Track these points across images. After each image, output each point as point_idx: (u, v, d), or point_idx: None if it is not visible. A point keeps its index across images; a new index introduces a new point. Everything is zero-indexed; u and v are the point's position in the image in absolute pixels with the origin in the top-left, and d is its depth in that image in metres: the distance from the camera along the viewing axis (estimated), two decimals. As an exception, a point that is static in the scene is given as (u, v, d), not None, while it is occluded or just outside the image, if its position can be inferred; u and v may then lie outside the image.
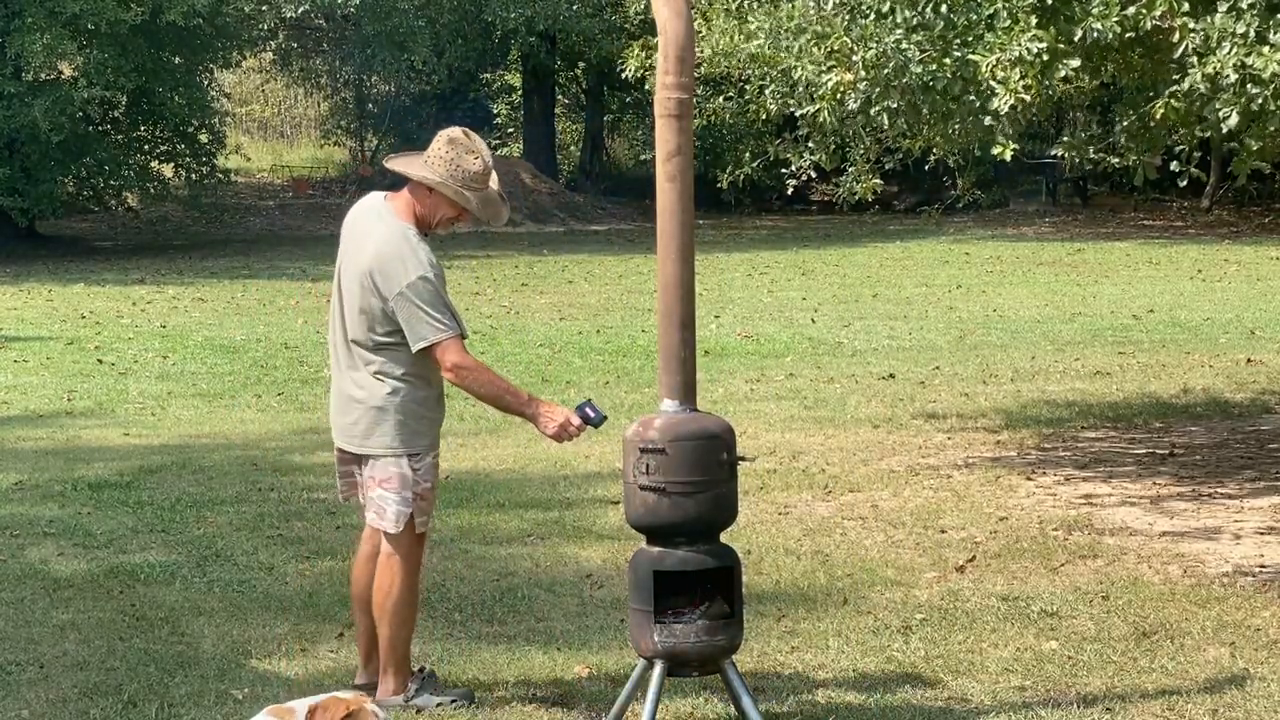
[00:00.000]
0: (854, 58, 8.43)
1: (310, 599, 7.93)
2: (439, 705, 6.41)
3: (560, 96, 41.70)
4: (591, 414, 6.32)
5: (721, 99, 11.04)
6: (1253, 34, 7.28)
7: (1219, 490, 10.08)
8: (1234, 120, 7.46)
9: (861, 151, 10.33)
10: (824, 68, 8.70)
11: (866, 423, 12.39)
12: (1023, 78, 7.55)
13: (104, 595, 8.01)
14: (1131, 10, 7.46)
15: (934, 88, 8.18)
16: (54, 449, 11.91)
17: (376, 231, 6.34)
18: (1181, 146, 9.09)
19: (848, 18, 8.62)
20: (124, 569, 8.46)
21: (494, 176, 6.45)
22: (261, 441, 12.10)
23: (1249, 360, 15.02)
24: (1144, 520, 9.35)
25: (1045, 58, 7.53)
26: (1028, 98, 7.62)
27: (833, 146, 10.10)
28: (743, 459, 6.16)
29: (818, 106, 8.87)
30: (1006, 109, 7.63)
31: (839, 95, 8.71)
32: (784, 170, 10.60)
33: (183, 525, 9.43)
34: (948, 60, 7.95)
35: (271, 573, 8.41)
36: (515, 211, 34.22)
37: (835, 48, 8.59)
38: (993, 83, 7.63)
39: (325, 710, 5.05)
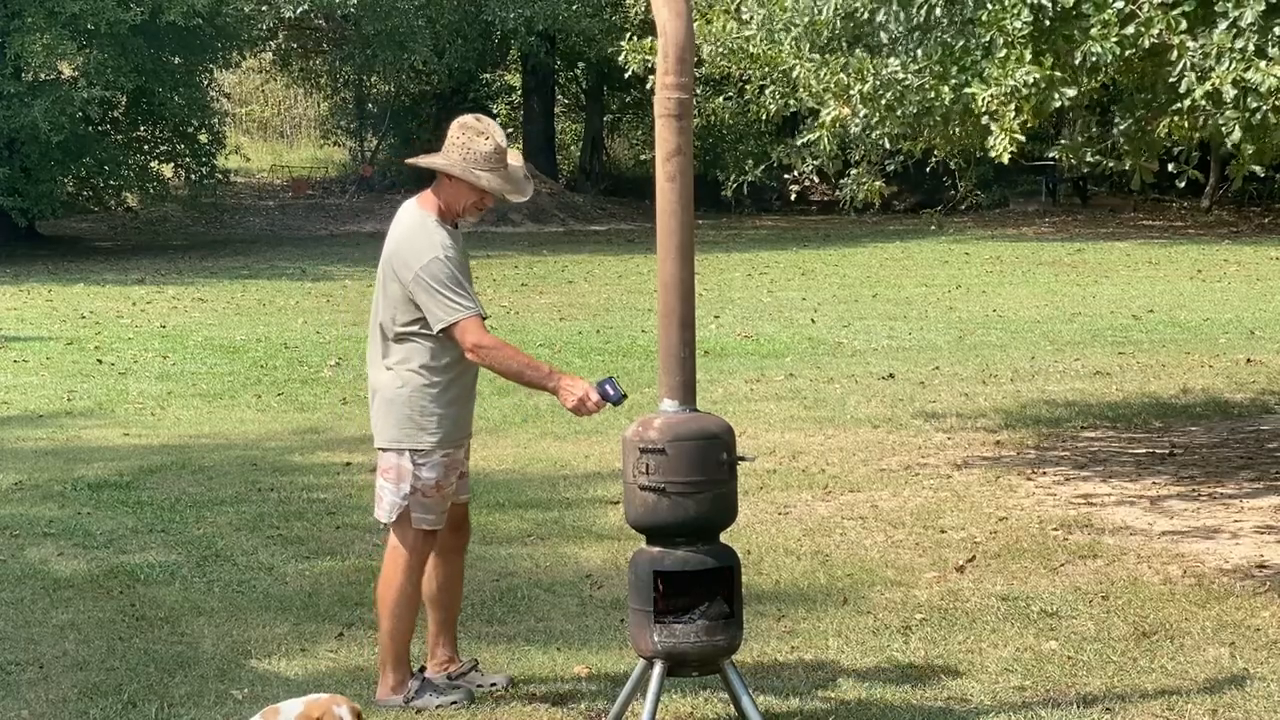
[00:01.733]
0: (850, 91, 8.47)
1: (310, 599, 7.93)
2: (439, 706, 6.41)
3: (560, 96, 41.73)
4: (611, 391, 6.34)
5: (721, 99, 11.04)
6: (1251, 48, 7.29)
7: (1219, 490, 10.08)
8: (1237, 135, 7.48)
9: (863, 154, 10.34)
10: (822, 97, 8.74)
11: (866, 423, 12.39)
12: (1018, 114, 7.57)
13: (104, 595, 8.01)
14: (1130, 30, 7.46)
15: (934, 114, 8.21)
16: (54, 449, 11.91)
17: (399, 225, 6.52)
18: (1180, 148, 9.09)
19: (843, 54, 8.66)
20: (124, 569, 8.46)
21: (513, 155, 6.53)
22: (261, 441, 12.10)
23: (1249, 360, 15.02)
24: (1144, 520, 9.35)
25: (1042, 87, 7.54)
26: (1022, 137, 7.65)
27: (834, 154, 10.12)
28: (743, 459, 6.17)
29: (817, 135, 8.92)
30: (1002, 148, 7.63)
31: (837, 125, 8.76)
32: (786, 176, 10.62)
33: (183, 525, 9.43)
34: (945, 88, 7.97)
35: (271, 573, 8.41)
36: (515, 211, 34.24)
37: (831, 84, 8.63)
38: (989, 120, 7.63)
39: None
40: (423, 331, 6.40)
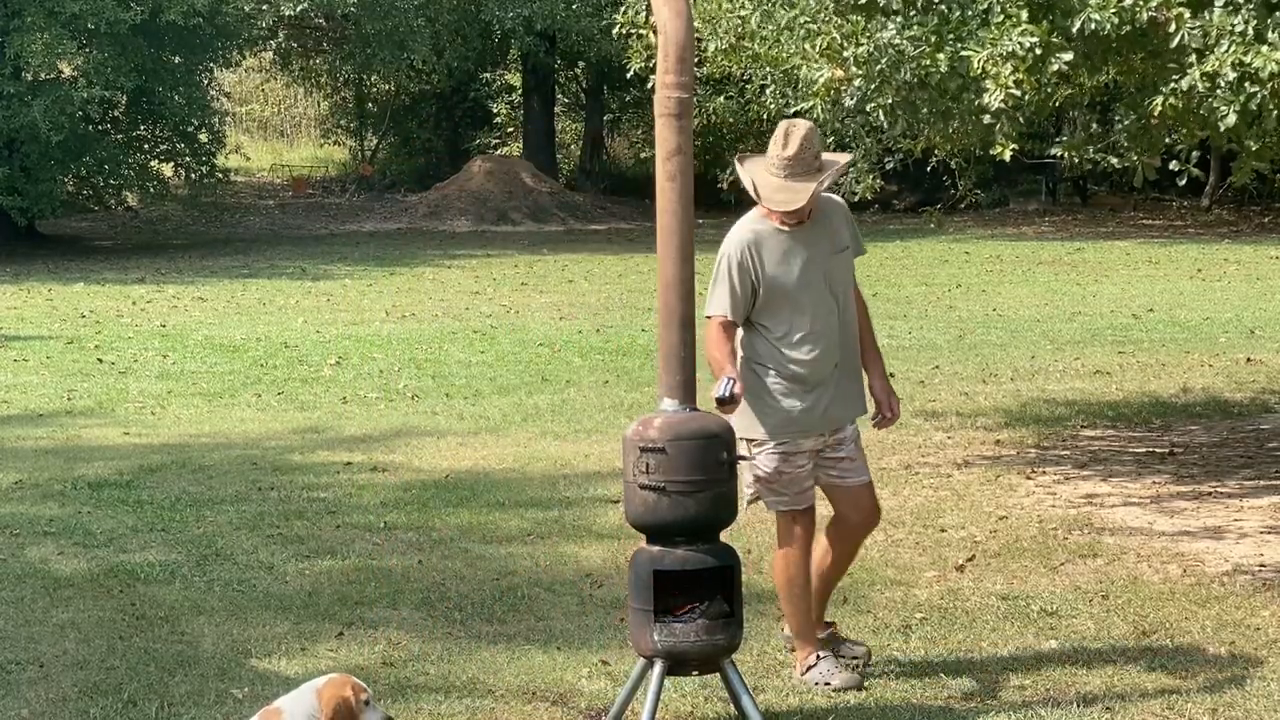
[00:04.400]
0: (844, 54, 8.44)
1: (310, 598, 7.93)
2: (815, 683, 6.55)
3: (560, 96, 41.71)
4: (722, 389, 6.32)
5: (722, 98, 11.05)
6: (1251, 32, 7.28)
7: (1219, 489, 10.08)
8: (1231, 120, 7.46)
9: (863, 153, 10.34)
10: (815, 64, 8.71)
11: (862, 422, 12.34)
12: (1014, 72, 7.56)
13: (104, 595, 8.01)
14: (1129, 1, 7.45)
15: (929, 83, 8.18)
16: (54, 448, 11.91)
17: None
18: (1181, 146, 9.09)
19: (839, 15, 8.63)
20: (124, 568, 8.46)
21: (789, 166, 6.43)
22: (261, 441, 12.10)
23: (1249, 360, 15.02)
24: (1144, 519, 9.35)
25: (1038, 51, 7.53)
26: (1018, 92, 7.63)
27: (831, 144, 10.11)
28: (743, 458, 6.17)
29: (811, 103, 8.89)
30: (997, 104, 7.63)
31: (831, 92, 8.72)
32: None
33: (183, 525, 9.43)
34: (941, 55, 7.95)
35: (271, 572, 8.41)
36: (515, 211, 34.24)
37: (826, 45, 8.59)
38: (984, 79, 7.63)
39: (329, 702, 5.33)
40: (753, 322, 6.57)
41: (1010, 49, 7.49)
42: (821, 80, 8.64)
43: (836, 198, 6.97)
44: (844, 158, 6.91)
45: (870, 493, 6.84)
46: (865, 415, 6.92)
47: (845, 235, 6.76)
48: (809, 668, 6.63)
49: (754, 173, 6.50)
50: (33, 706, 6.48)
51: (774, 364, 6.56)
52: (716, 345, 6.52)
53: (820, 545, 6.84)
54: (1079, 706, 6.31)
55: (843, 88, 8.69)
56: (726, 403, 6.30)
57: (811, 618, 6.76)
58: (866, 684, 6.59)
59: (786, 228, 6.56)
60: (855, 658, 6.79)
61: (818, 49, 8.67)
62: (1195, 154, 8.86)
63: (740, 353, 6.58)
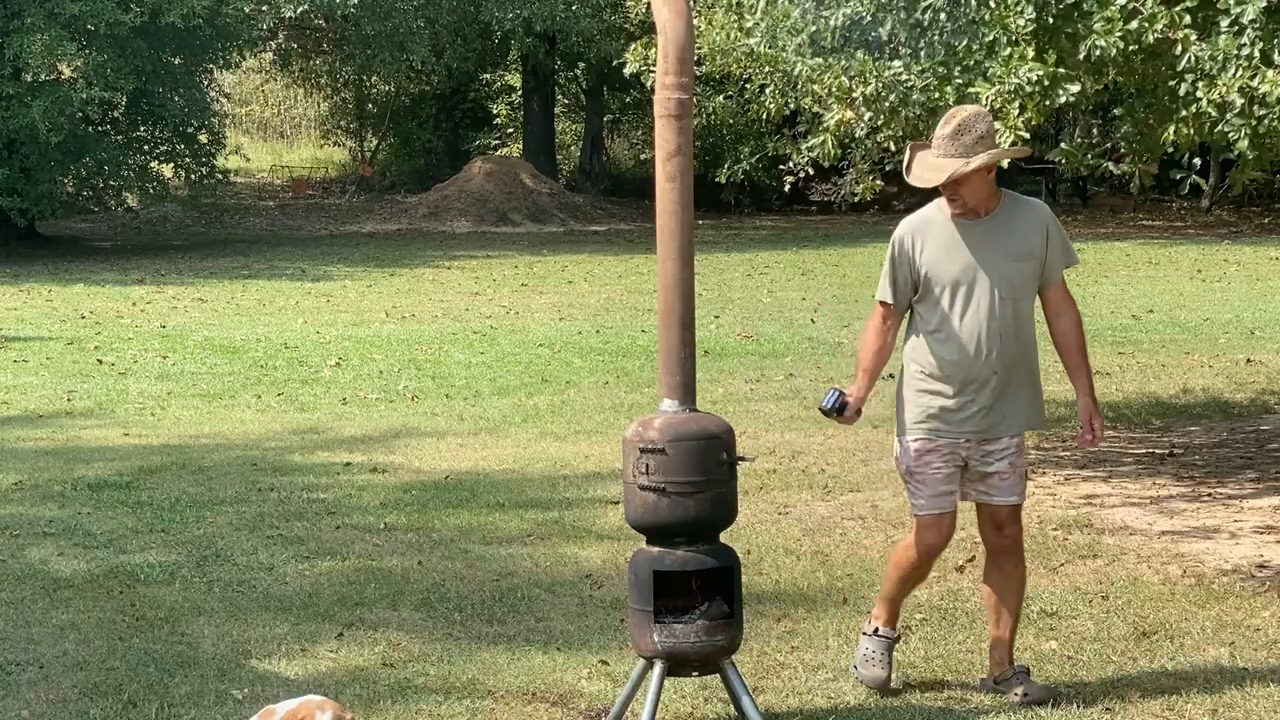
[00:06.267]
0: (854, 94, 8.50)
1: (310, 599, 7.93)
2: (854, 666, 6.57)
3: (560, 96, 41.72)
4: (826, 400, 6.36)
5: (721, 98, 11.09)
6: (1257, 55, 7.29)
7: (1219, 490, 10.08)
8: (1244, 144, 7.49)
9: (863, 154, 10.36)
10: (825, 100, 8.76)
11: (866, 423, 12.31)
12: (1022, 112, 7.59)
13: (104, 595, 8.01)
14: (1134, 25, 7.46)
15: (937, 114, 8.23)
16: (54, 449, 11.91)
17: None
18: (1181, 152, 9.09)
19: (849, 54, 8.69)
20: (124, 569, 8.46)
21: (942, 145, 6.29)
22: (261, 441, 12.10)
23: (1249, 360, 15.02)
24: (1144, 520, 9.35)
25: (1046, 84, 7.56)
26: (1027, 134, 7.67)
27: (836, 156, 10.17)
28: (742, 459, 6.18)
29: (822, 139, 8.94)
30: (1008, 145, 7.65)
31: (842, 128, 8.80)
32: (782, 167, 10.64)
33: (183, 525, 9.43)
34: (949, 88, 7.99)
35: (271, 573, 8.42)
36: (515, 212, 34.24)
37: (834, 87, 8.65)
38: (994, 118, 7.67)
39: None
40: (914, 309, 6.47)
41: (1017, 84, 7.51)
42: (833, 122, 8.70)
43: (1040, 203, 6.62)
44: (1015, 150, 6.72)
45: (1014, 516, 6.51)
46: (1039, 430, 6.68)
47: (1036, 243, 6.41)
48: (868, 635, 6.56)
49: (920, 153, 6.39)
50: (33, 707, 6.48)
51: (920, 356, 6.42)
52: (866, 342, 6.49)
53: (984, 588, 6.66)
54: (1079, 706, 6.32)
55: (853, 124, 8.76)
56: (830, 414, 6.32)
57: (899, 607, 6.69)
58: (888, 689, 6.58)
59: (956, 218, 6.35)
60: (1029, 694, 6.39)
61: (826, 87, 8.73)
62: (1195, 163, 8.86)
63: (906, 343, 6.47)
